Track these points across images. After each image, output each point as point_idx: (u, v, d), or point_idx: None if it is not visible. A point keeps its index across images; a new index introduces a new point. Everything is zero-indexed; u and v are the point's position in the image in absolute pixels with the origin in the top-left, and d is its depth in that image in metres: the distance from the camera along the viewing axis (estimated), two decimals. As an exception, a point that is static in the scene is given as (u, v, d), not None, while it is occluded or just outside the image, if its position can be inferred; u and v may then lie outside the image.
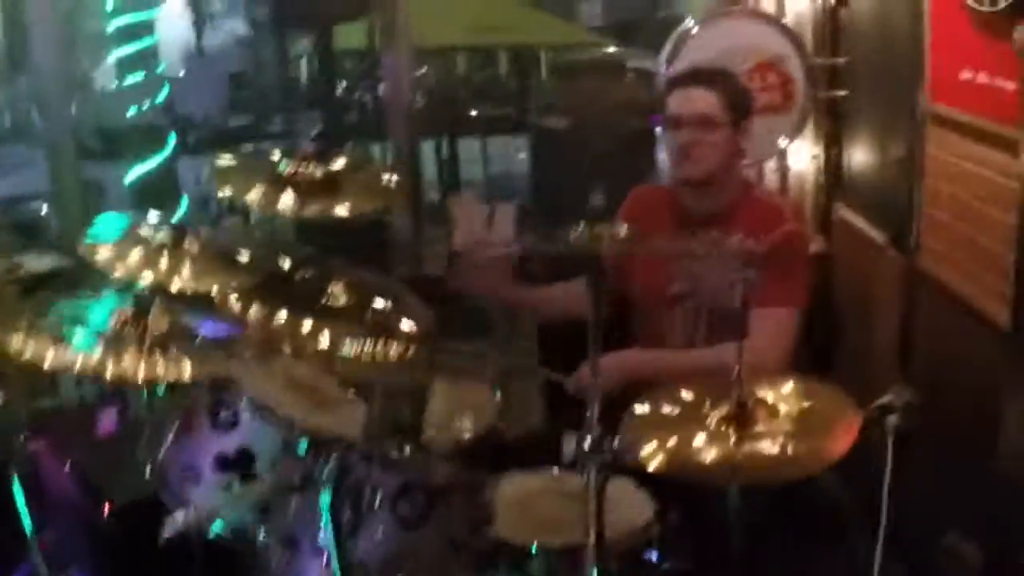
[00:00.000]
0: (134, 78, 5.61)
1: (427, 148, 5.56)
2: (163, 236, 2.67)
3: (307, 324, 2.96)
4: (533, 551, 2.27)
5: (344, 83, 6.69)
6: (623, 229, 2.09)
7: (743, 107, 3.05)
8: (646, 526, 2.39)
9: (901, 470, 3.33)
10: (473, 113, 7.77)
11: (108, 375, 2.08)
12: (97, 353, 2.18)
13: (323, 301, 3.07)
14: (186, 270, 2.60)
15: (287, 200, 3.02)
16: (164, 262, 2.59)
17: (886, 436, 3.36)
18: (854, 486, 3.77)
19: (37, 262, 3.70)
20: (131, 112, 5.53)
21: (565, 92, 3.94)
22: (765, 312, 2.78)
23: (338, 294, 3.13)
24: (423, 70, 8.67)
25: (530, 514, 2.44)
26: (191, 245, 2.70)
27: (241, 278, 2.74)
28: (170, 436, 2.37)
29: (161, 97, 4.89)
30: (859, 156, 3.92)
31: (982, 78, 2.80)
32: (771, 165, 4.27)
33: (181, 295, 2.69)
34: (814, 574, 3.52)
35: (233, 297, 2.79)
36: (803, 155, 4.27)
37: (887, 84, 3.59)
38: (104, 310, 2.32)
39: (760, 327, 2.74)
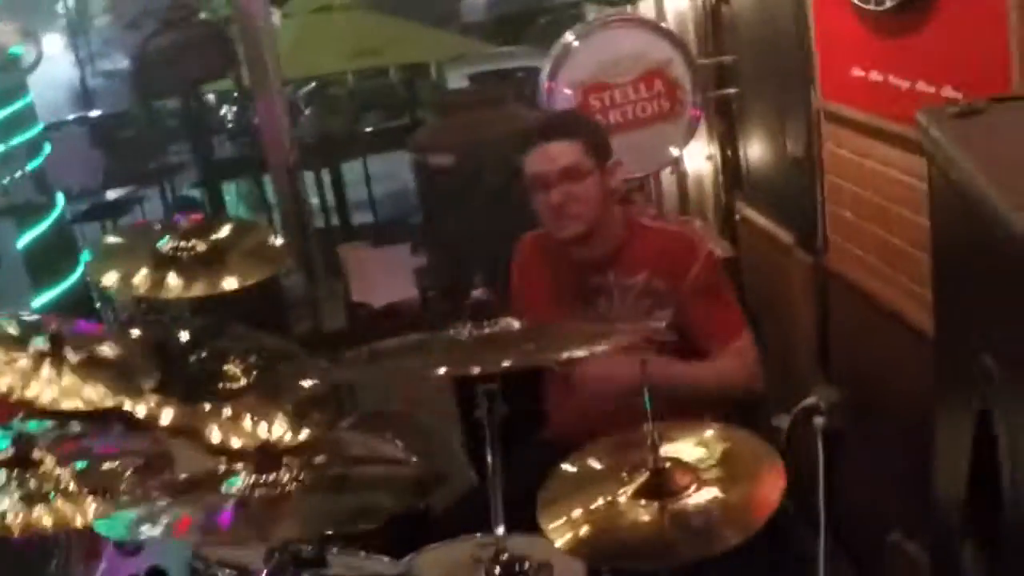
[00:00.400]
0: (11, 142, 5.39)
1: (309, 175, 5.38)
2: (40, 344, 2.51)
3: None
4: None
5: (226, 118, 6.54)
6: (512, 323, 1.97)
7: (605, 147, 2.93)
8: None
9: (838, 469, 3.31)
10: (367, 129, 7.73)
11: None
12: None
13: (220, 385, 2.97)
14: (65, 383, 2.45)
15: (173, 283, 2.90)
16: (43, 376, 2.44)
17: (815, 437, 3.34)
18: (796, 489, 3.75)
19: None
20: (7, 180, 5.29)
21: (447, 128, 3.80)
22: (729, 348, 2.87)
23: (235, 373, 3.02)
24: (310, 86, 8.56)
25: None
26: (70, 354, 2.55)
27: (131, 384, 2.60)
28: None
29: (39, 160, 4.68)
30: (757, 155, 3.87)
31: (875, 76, 2.74)
32: (666, 171, 4.17)
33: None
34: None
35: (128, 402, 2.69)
36: (699, 155, 4.20)
37: (777, 82, 3.54)
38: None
39: (731, 362, 2.86)
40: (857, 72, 2.83)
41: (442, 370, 1.95)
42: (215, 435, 2.84)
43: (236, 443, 2.83)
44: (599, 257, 2.94)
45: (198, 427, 2.85)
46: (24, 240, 5.38)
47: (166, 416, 2.80)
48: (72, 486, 2.00)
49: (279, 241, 3.33)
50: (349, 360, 2.20)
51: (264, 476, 1.77)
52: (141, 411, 2.78)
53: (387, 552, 2.42)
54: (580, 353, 1.88)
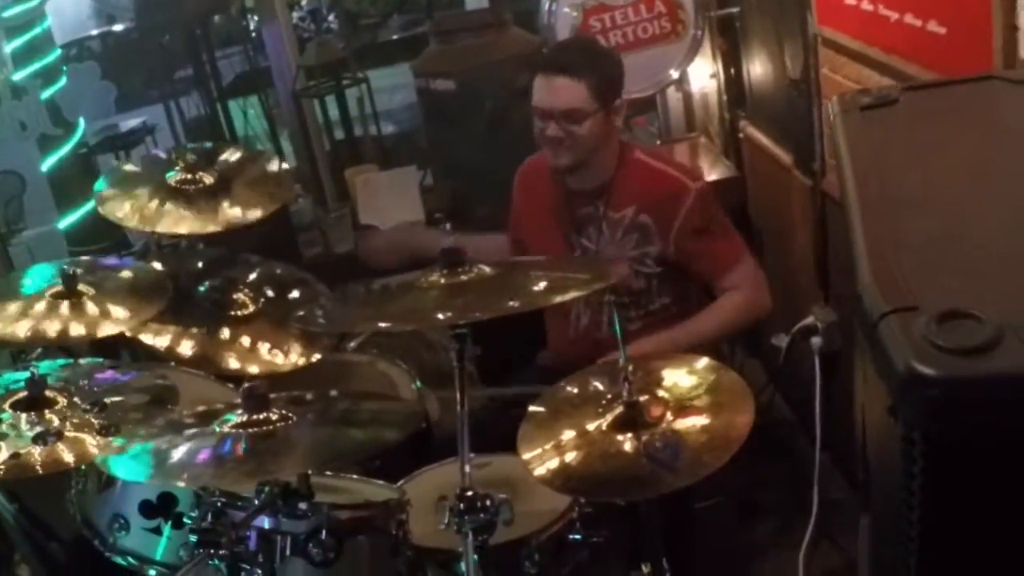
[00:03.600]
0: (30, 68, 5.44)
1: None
2: (56, 285, 2.61)
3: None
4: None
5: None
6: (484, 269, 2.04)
7: (614, 85, 2.92)
8: (567, 508, 2.34)
9: (835, 388, 3.38)
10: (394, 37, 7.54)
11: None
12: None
13: (231, 312, 3.07)
14: (86, 316, 2.57)
15: (180, 216, 2.98)
16: (62, 313, 2.55)
17: (813, 357, 3.41)
18: (796, 405, 3.84)
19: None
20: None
21: (449, 53, 3.81)
22: (734, 273, 2.98)
23: (244, 301, 3.11)
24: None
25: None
26: (87, 288, 2.65)
27: (143, 309, 2.69)
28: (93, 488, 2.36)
29: (54, 89, 4.72)
30: (758, 74, 3.87)
31: (866, 5, 2.75)
32: (672, 92, 4.19)
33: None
34: (763, 488, 3.60)
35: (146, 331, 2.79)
36: (703, 73, 4.21)
37: (777, 3, 3.52)
38: None
39: (743, 286, 2.98)
40: (850, 0, 2.84)
41: (409, 327, 2.01)
42: (232, 362, 2.96)
43: (252, 369, 2.96)
44: (590, 188, 3.00)
45: (215, 355, 2.97)
46: (47, 164, 5.46)
47: (185, 346, 2.92)
48: (84, 423, 2.10)
49: (285, 166, 3.42)
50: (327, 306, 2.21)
51: (253, 415, 1.85)
52: (163, 341, 2.90)
53: (388, 467, 2.49)
54: (540, 302, 1.92)
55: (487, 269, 1.98)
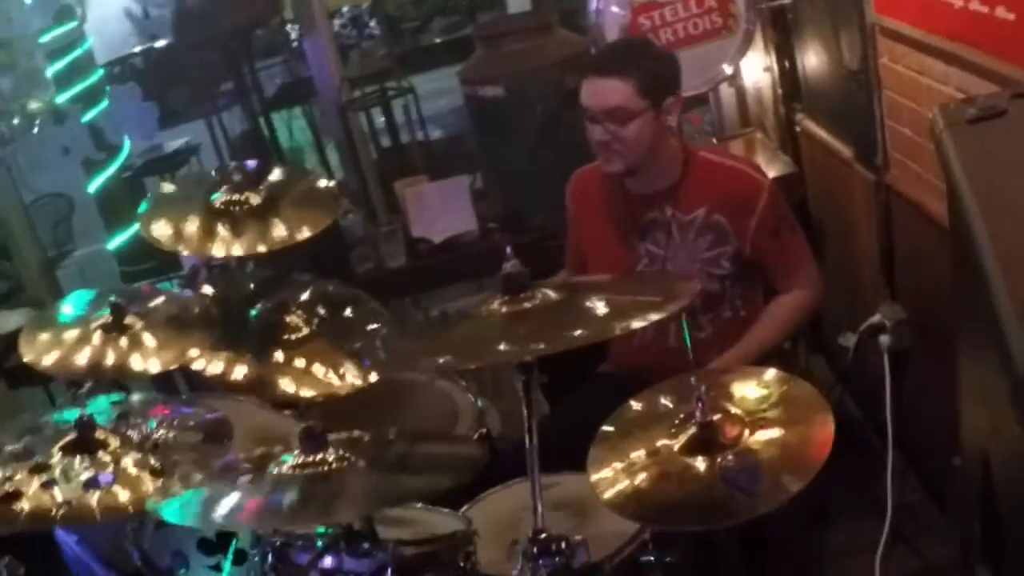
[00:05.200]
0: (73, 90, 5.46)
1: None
2: (103, 317, 2.57)
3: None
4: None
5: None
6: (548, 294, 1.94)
7: (666, 83, 2.80)
8: (638, 529, 2.27)
9: (906, 388, 3.28)
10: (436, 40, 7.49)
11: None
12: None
13: (284, 336, 3.01)
14: (138, 349, 2.54)
15: (226, 239, 2.92)
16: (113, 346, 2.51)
17: (882, 355, 3.31)
18: (865, 403, 3.73)
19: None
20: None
21: (495, 59, 3.73)
22: (801, 273, 2.92)
23: (296, 324, 3.05)
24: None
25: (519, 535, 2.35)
26: (134, 320, 2.61)
27: (193, 342, 2.64)
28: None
29: (103, 104, 4.73)
30: (814, 66, 3.76)
31: (927, -9, 2.64)
32: (725, 87, 4.09)
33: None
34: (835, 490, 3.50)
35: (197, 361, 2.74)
36: (756, 67, 4.10)
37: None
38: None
39: (806, 286, 2.92)
40: (909, -14, 2.73)
41: (472, 365, 1.93)
42: (288, 386, 2.90)
43: (307, 393, 2.90)
44: (655, 192, 2.90)
45: (270, 380, 2.91)
46: (94, 185, 5.48)
47: (239, 372, 2.87)
48: (138, 465, 2.05)
49: (332, 183, 3.35)
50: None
51: (311, 456, 1.78)
52: (215, 368, 2.85)
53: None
54: (610, 331, 1.83)
55: (551, 294, 1.89)
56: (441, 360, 1.88)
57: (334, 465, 1.78)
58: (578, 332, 1.76)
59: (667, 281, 2.61)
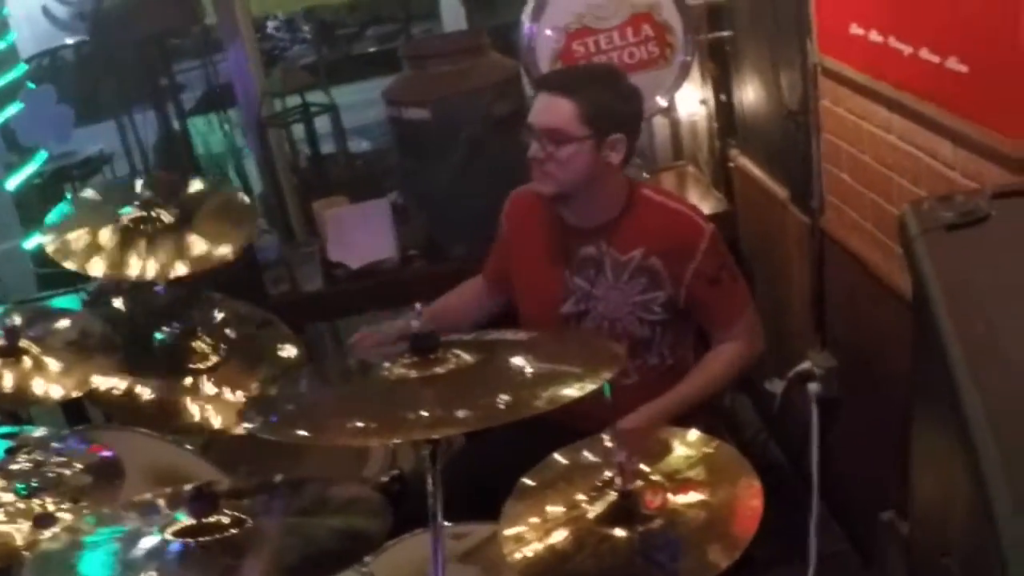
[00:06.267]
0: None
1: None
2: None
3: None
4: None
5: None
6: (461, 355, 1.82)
7: (615, 118, 2.68)
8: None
9: (834, 437, 3.20)
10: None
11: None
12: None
13: (189, 363, 2.87)
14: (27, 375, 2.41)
15: (136, 260, 2.79)
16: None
17: (809, 403, 3.23)
18: (791, 450, 3.65)
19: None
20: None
21: (422, 80, 3.60)
22: (739, 323, 2.82)
23: (204, 351, 2.91)
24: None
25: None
26: (29, 346, 2.46)
27: (89, 370, 2.49)
28: None
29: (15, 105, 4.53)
30: (751, 102, 3.68)
31: (874, 36, 2.55)
32: (658, 118, 3.99)
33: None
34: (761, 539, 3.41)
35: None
36: (692, 99, 4.01)
37: (773, 27, 3.34)
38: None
39: (743, 335, 2.82)
40: (856, 30, 2.64)
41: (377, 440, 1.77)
42: (195, 413, 2.75)
43: (216, 421, 2.75)
44: (593, 226, 2.78)
45: (176, 404, 2.76)
46: (12, 182, 5.30)
47: (144, 394, 2.71)
48: (18, 514, 1.88)
49: (247, 200, 3.21)
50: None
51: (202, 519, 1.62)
52: (119, 390, 2.69)
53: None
54: (540, 405, 1.69)
55: (466, 356, 1.75)
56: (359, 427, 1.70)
57: (231, 532, 1.61)
58: (501, 404, 1.62)
59: (596, 343, 2.49)
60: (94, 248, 2.82)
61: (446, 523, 2.06)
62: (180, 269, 2.79)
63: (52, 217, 2.99)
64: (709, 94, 3.97)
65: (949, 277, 1.31)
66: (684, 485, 1.95)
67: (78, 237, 2.86)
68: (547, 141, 2.66)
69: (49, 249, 2.84)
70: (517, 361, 1.88)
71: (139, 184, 2.97)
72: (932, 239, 1.37)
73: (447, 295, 3.13)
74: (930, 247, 1.35)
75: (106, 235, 2.85)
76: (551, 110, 2.67)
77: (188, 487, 1.66)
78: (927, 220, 1.43)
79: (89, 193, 3.27)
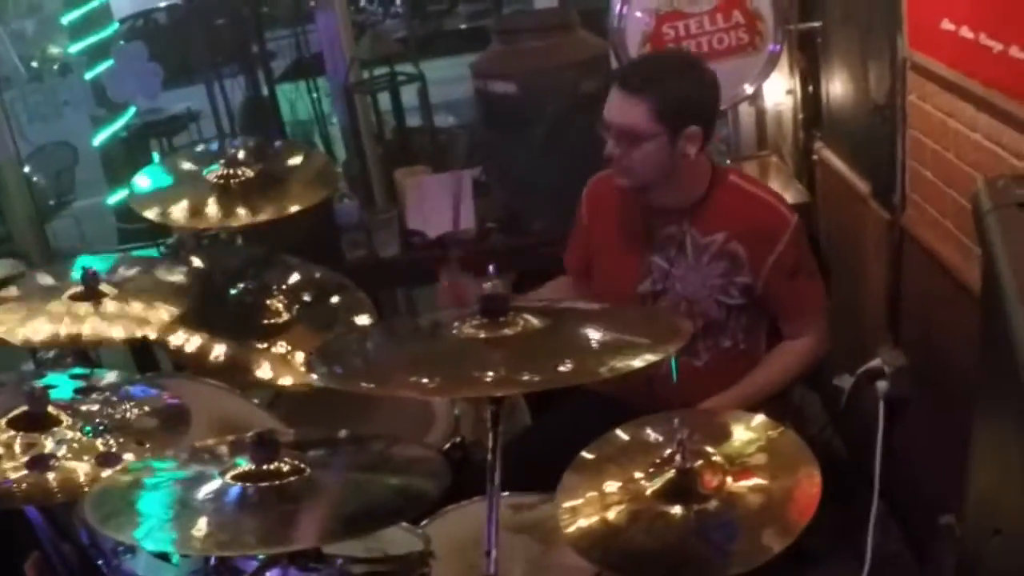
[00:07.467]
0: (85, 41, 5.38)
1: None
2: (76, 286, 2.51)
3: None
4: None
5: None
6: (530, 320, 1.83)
7: (691, 110, 2.64)
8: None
9: (899, 437, 3.17)
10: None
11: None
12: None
13: (263, 320, 2.92)
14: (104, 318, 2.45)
15: (214, 212, 2.85)
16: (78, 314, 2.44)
17: (877, 401, 3.20)
18: (856, 448, 3.62)
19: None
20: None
21: (510, 55, 3.61)
22: (810, 320, 2.82)
23: (277, 308, 2.96)
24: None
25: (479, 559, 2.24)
26: (109, 289, 2.54)
27: (163, 314, 2.54)
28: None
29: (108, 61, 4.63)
30: (838, 95, 3.64)
31: (965, 32, 2.51)
32: (744, 107, 3.97)
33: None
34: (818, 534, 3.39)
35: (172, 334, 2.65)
36: (779, 89, 3.98)
37: (864, 20, 3.30)
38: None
39: (812, 330, 2.81)
40: (947, 25, 2.60)
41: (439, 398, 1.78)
42: (265, 372, 2.80)
43: (285, 381, 2.80)
44: (676, 206, 2.76)
45: (246, 363, 2.81)
46: (98, 139, 5.40)
47: (217, 352, 2.77)
48: (83, 451, 1.94)
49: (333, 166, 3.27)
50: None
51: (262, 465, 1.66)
52: (192, 345, 2.75)
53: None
54: (597, 373, 1.70)
55: (534, 321, 1.77)
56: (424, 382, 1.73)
57: (290, 479, 1.65)
58: (563, 367, 1.64)
59: (664, 318, 2.49)
60: (171, 207, 2.89)
61: (504, 492, 2.10)
62: (260, 217, 2.83)
63: (134, 179, 3.06)
64: (796, 84, 3.94)
65: (1017, 250, 1.30)
66: (745, 470, 1.95)
67: (156, 197, 2.93)
68: (621, 140, 2.65)
69: (134, 206, 2.91)
70: (584, 329, 1.89)
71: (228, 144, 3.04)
72: (1004, 215, 1.36)
73: (539, 290, 3.11)
74: (1001, 222, 1.34)
75: (185, 194, 2.92)
76: (624, 110, 2.63)
77: (250, 434, 1.70)
78: (1000, 196, 1.42)
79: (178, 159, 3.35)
